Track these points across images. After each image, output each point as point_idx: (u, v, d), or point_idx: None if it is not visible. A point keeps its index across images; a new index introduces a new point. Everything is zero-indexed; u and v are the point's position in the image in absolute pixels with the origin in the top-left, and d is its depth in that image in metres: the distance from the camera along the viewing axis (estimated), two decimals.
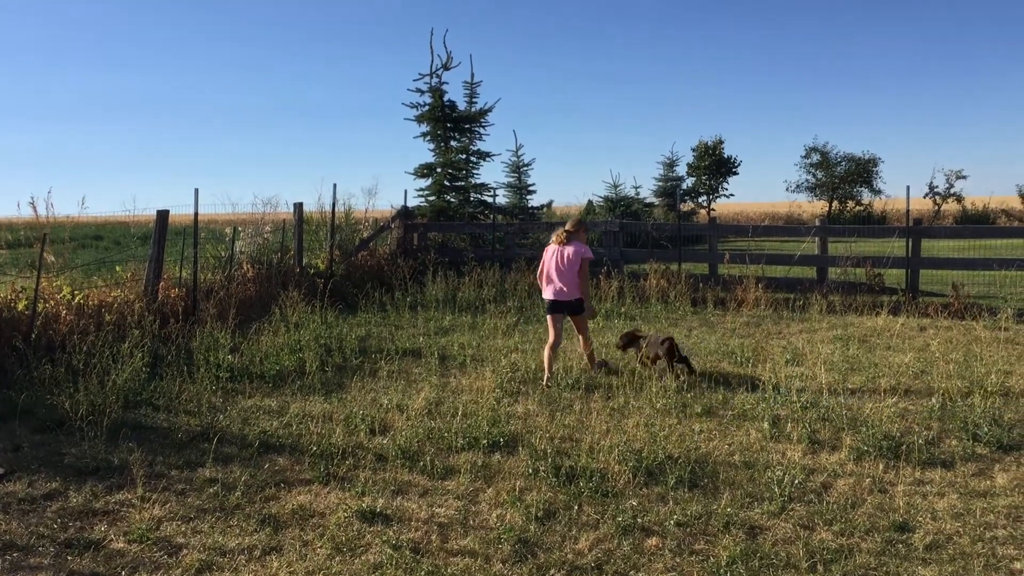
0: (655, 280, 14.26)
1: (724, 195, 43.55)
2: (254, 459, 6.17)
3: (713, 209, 42.18)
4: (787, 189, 48.71)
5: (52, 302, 9.46)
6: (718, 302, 13.54)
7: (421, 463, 6.04)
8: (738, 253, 15.17)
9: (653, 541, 4.82)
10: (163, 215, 10.93)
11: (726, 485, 5.65)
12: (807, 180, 45.66)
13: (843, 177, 44.36)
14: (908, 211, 14.66)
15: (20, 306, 9.05)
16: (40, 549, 4.73)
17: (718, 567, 4.44)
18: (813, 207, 45.01)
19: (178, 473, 5.90)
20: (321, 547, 4.76)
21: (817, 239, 15.01)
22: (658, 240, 17.43)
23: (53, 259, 10.24)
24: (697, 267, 15.75)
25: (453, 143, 19.42)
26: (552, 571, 4.46)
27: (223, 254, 13.27)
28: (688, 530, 4.97)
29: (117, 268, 11.72)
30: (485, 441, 6.43)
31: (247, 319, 11.13)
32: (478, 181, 19.61)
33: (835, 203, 44.34)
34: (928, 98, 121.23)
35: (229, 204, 15.33)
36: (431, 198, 19.23)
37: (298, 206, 14.60)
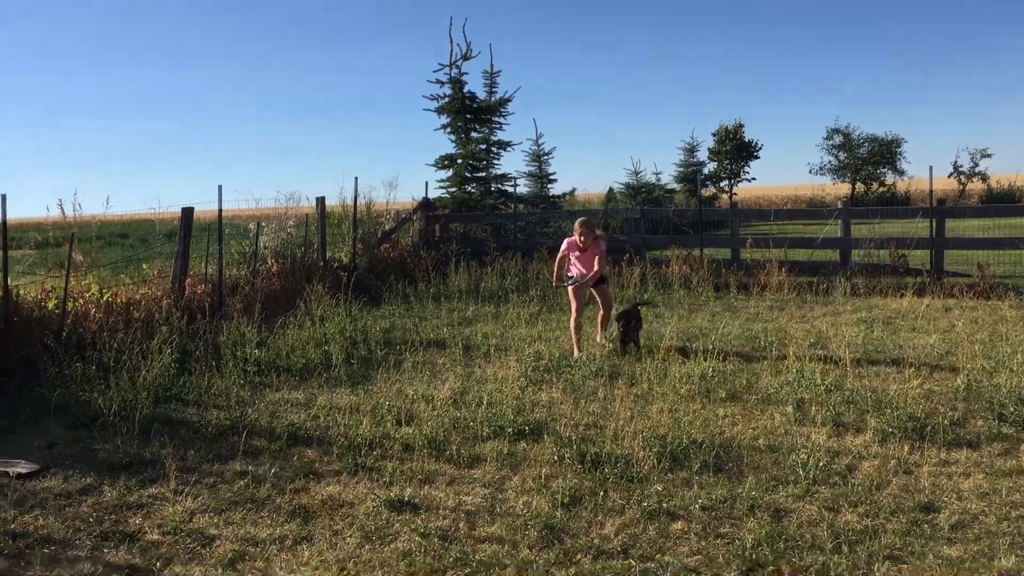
0: (677, 266, 14.25)
1: (746, 179, 43.36)
2: (283, 451, 6.26)
3: (735, 194, 42.00)
4: (810, 171, 48.45)
5: (81, 301, 9.61)
6: (741, 287, 13.53)
7: (447, 452, 6.11)
8: (760, 237, 15.13)
9: (679, 525, 4.86)
10: (188, 212, 11.05)
11: (751, 469, 5.68)
12: (830, 162, 45.34)
13: (866, 158, 43.97)
14: (932, 191, 14.56)
15: (50, 305, 9.20)
16: (77, 542, 4.84)
17: (744, 549, 4.48)
18: (836, 189, 44.65)
19: (209, 466, 6.00)
20: (351, 536, 4.84)
21: (840, 222, 14.94)
22: (679, 226, 17.40)
23: (81, 258, 10.40)
24: (719, 252, 15.72)
25: (473, 134, 19.46)
26: (579, 556, 4.52)
27: (247, 249, 13.39)
28: (713, 514, 5.01)
29: (144, 266, 11.87)
30: (510, 429, 6.49)
31: (273, 313, 11.24)
32: (499, 171, 19.65)
33: (858, 185, 44.00)
34: (951, 77, 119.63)
35: (252, 200, 15.48)
36: (452, 189, 19.30)
37: (320, 200, 14.70)
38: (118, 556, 4.65)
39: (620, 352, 9.03)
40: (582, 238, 9.29)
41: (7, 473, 5.83)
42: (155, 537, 4.89)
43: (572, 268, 9.56)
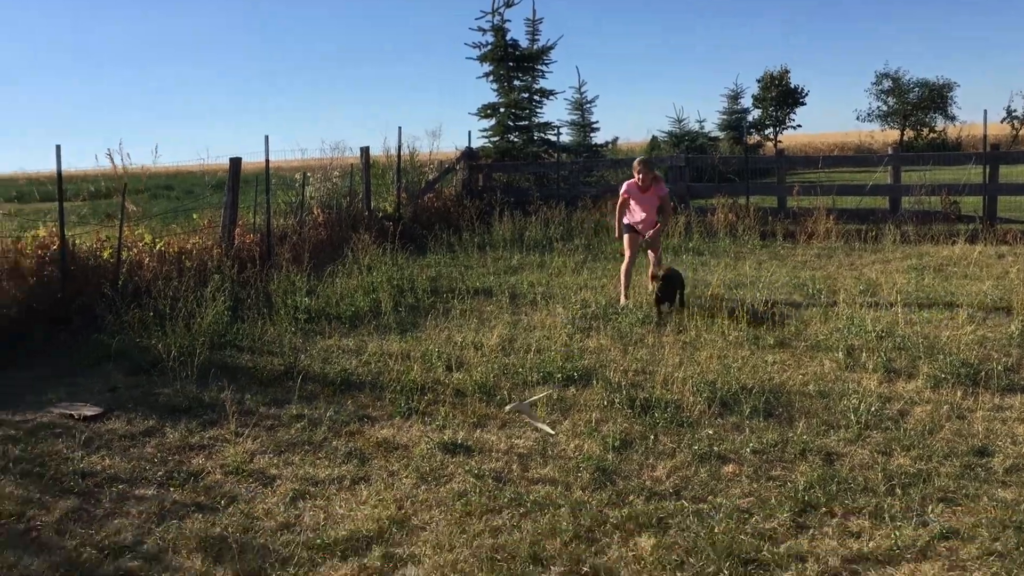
0: (723, 214, 14.13)
1: (791, 126, 42.65)
2: (337, 396, 6.39)
3: (779, 141, 41.33)
4: (857, 118, 47.44)
5: (135, 250, 9.78)
6: (787, 235, 13.40)
7: (498, 397, 6.19)
8: (807, 185, 14.94)
9: (730, 468, 4.91)
10: (236, 162, 11.16)
11: (801, 414, 5.69)
12: (878, 108, 44.39)
13: (916, 104, 42.97)
14: (985, 136, 14.24)
15: (105, 254, 9.38)
16: (143, 481, 5.01)
17: (796, 491, 4.51)
18: (885, 136, 43.73)
19: (266, 410, 6.14)
20: (407, 477, 4.95)
21: (890, 168, 14.69)
22: (725, 174, 17.22)
23: (133, 208, 10.56)
24: (765, 200, 15.55)
25: (516, 82, 19.28)
26: (631, 497, 4.58)
27: (294, 200, 13.50)
28: (764, 457, 5.04)
29: (194, 215, 12.03)
30: (559, 375, 6.55)
31: (320, 263, 11.34)
32: (541, 120, 19.49)
33: (908, 131, 43.06)
34: (1005, 18, 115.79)
35: (298, 150, 15.50)
36: (495, 139, 19.21)
37: (364, 150, 14.74)
38: (183, 494, 4.81)
39: (656, 313, 8.43)
40: (641, 176, 9.08)
41: (72, 415, 6.02)
42: (218, 477, 5.04)
43: (633, 213, 9.32)
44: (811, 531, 4.16)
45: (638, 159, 9.28)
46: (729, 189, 15.38)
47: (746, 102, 38.56)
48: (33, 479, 5.00)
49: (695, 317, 7.99)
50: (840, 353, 6.88)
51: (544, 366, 6.71)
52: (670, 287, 8.55)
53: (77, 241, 9.48)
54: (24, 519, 4.53)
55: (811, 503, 4.41)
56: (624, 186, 9.34)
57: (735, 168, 17.52)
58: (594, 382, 6.38)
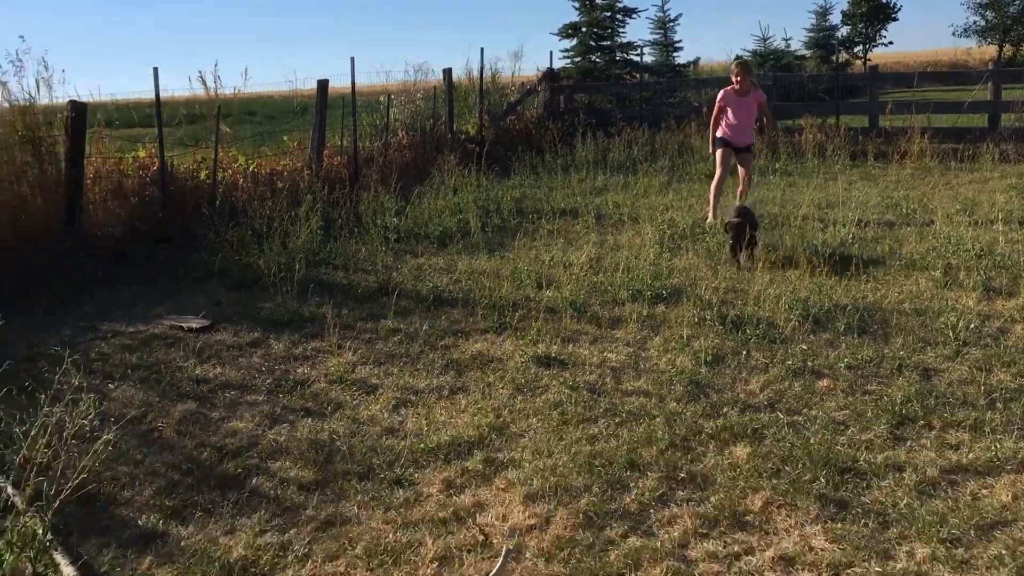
0: (811, 134, 13.80)
1: (882, 44, 41.05)
2: (430, 312, 6.53)
3: (869, 59, 39.84)
4: (953, 34, 45.44)
5: (230, 171, 10.04)
6: (879, 155, 13.05)
7: (588, 314, 6.27)
8: (900, 103, 14.44)
9: (825, 382, 4.92)
10: (323, 84, 11.29)
11: (897, 331, 5.64)
12: (975, 23, 42.36)
13: (1016, 18, 40.86)
14: None
15: (202, 175, 9.66)
16: (253, 388, 5.26)
17: (893, 405, 4.52)
18: (982, 52, 41.77)
19: (363, 324, 6.33)
20: (503, 388, 5.09)
21: (990, 84, 14.10)
22: (814, 92, 16.75)
23: (227, 130, 10.79)
24: (854, 120, 15.09)
25: (598, 0, 18.97)
26: (725, 409, 4.65)
27: (379, 122, 13.60)
28: (859, 372, 5.04)
29: (284, 138, 12.24)
30: (649, 293, 6.58)
31: (407, 184, 11.45)
32: (623, 40, 19.23)
33: (1007, 47, 41.06)
34: None
35: (382, 72, 15.57)
36: (576, 59, 19.03)
37: (447, 72, 14.72)
38: (292, 400, 5.04)
39: (732, 261, 7.59)
40: (739, 80, 8.81)
41: (182, 327, 6.31)
42: (323, 385, 5.26)
43: (730, 121, 8.98)
44: (908, 443, 4.18)
45: (736, 61, 9.03)
46: (818, 108, 14.96)
47: (835, 19, 37.18)
48: (151, 384, 5.29)
49: (784, 236, 7.90)
50: (937, 272, 6.75)
51: (633, 284, 6.75)
52: (743, 232, 7.57)
53: (175, 162, 9.75)
54: (145, 421, 4.81)
55: (908, 416, 4.42)
56: (720, 93, 9.05)
57: (825, 86, 17.01)
58: (684, 300, 6.41)
